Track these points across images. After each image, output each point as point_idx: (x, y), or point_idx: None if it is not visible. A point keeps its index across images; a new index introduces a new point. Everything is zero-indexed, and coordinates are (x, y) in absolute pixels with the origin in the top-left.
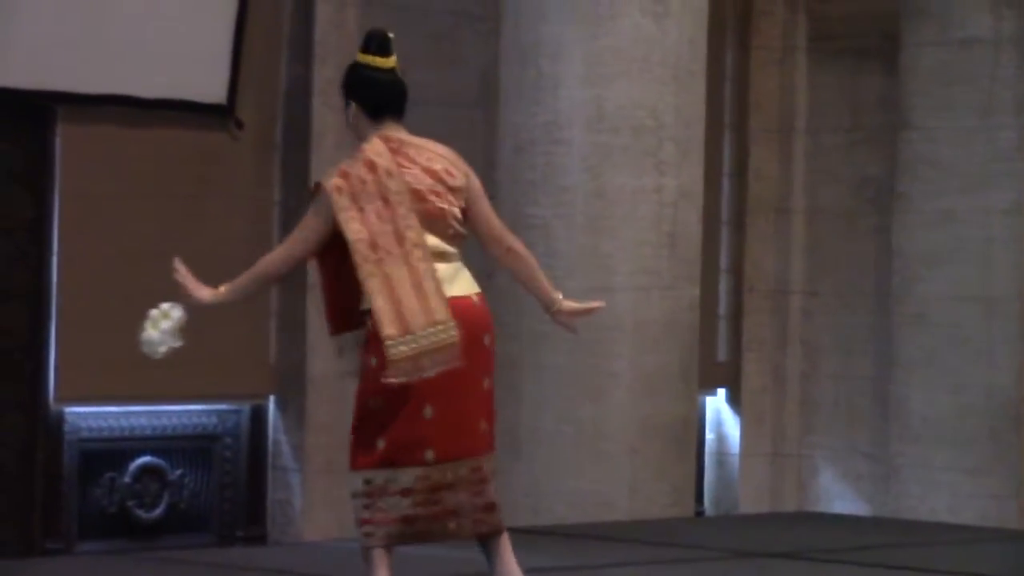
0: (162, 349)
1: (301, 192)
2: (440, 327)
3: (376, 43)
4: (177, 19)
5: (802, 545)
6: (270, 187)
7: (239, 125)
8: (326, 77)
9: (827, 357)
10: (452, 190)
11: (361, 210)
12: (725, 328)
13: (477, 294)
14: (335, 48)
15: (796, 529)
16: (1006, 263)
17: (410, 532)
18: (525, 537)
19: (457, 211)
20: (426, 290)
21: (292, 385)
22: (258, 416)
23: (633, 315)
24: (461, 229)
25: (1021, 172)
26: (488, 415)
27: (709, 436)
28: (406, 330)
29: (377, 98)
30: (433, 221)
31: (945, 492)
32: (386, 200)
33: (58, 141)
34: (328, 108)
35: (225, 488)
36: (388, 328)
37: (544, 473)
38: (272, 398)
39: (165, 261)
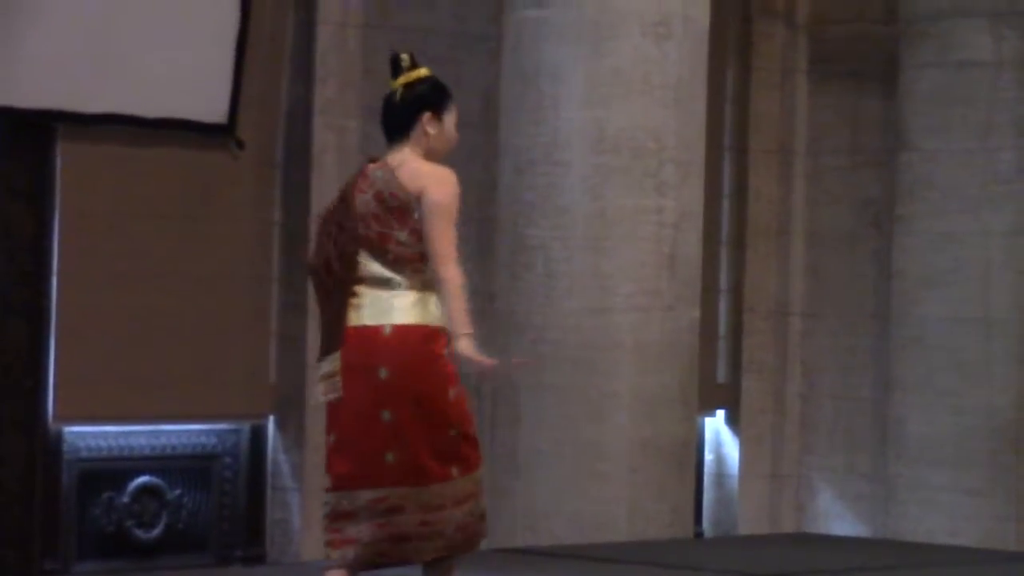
0: None
1: (302, 212)
2: (335, 355)
3: (390, 67)
4: (178, 39)
5: (801, 566)
6: (271, 207)
7: (240, 145)
8: (327, 97)
9: (826, 378)
10: (393, 211)
11: (328, 235)
12: (725, 349)
13: (395, 326)
14: (336, 68)
15: (795, 550)
16: (1005, 285)
17: (351, 555)
18: (524, 558)
19: (403, 234)
20: (342, 317)
21: (292, 405)
22: (257, 436)
23: (633, 336)
24: (408, 251)
25: (1020, 194)
26: (401, 448)
27: (708, 457)
28: (325, 352)
29: (382, 124)
30: (373, 246)
31: (944, 513)
32: (341, 226)
33: (59, 160)
34: (329, 128)
35: (224, 508)
36: (319, 349)
37: (543, 493)
38: (272, 418)
39: (165, 280)
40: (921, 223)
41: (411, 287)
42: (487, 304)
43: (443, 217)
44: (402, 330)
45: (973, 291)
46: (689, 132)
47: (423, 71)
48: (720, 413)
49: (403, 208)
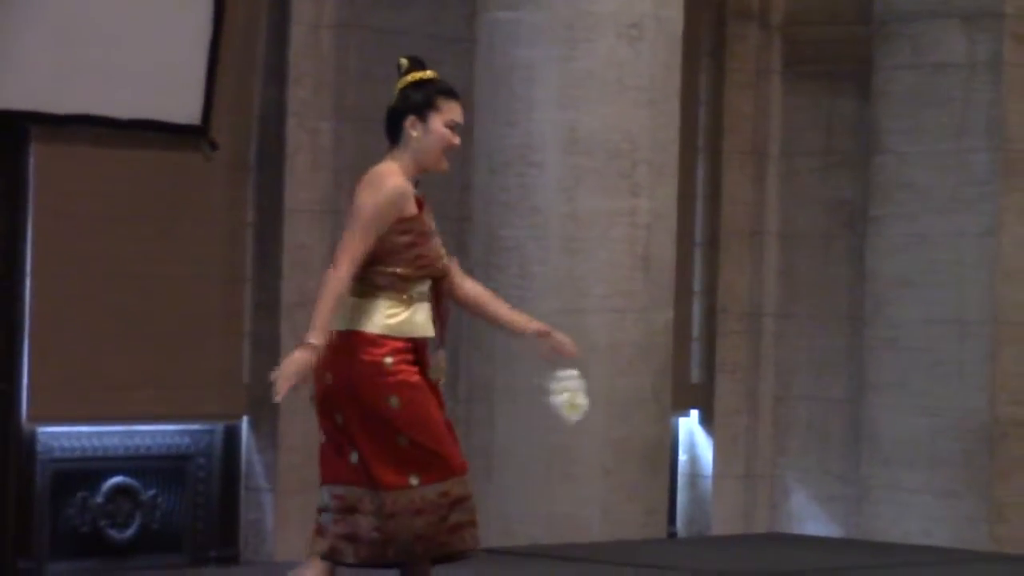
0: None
1: (275, 213)
2: None
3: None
4: (152, 40)
5: (774, 566)
6: (244, 209)
7: (213, 146)
8: (300, 99)
9: (800, 379)
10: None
11: None
12: (699, 350)
13: (338, 332)
14: (310, 70)
15: (768, 550)
16: (978, 286)
17: (319, 546)
18: (498, 559)
19: None
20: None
21: (265, 405)
22: (231, 436)
23: (607, 337)
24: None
25: (994, 195)
26: (362, 449)
27: (682, 457)
28: None
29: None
30: None
31: (917, 514)
32: None
33: (32, 161)
34: (303, 130)
35: (198, 508)
36: None
37: (517, 495)
38: (245, 418)
39: (138, 281)
40: (895, 224)
41: (355, 293)
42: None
43: (354, 220)
44: (343, 336)
45: (947, 292)
46: (663, 133)
47: (417, 75)
48: (694, 414)
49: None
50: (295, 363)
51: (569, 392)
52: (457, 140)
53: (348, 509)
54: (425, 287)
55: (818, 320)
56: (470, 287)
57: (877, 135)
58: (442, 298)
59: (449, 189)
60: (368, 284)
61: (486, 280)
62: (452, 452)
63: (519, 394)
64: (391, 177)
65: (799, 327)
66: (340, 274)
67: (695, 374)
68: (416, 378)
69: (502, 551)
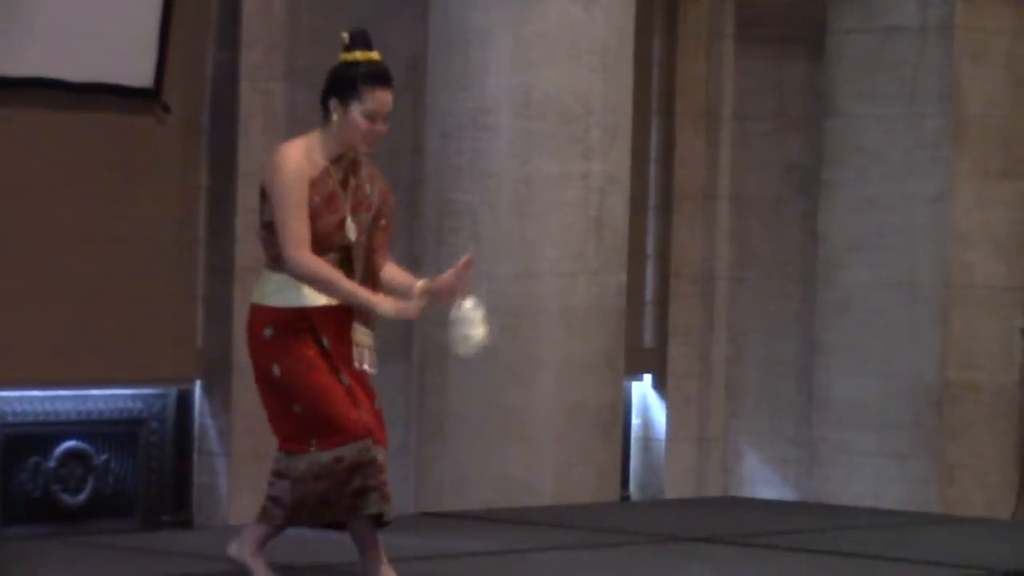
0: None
1: (228, 176)
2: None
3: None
4: (104, 3)
5: (726, 529)
6: (197, 171)
7: (166, 109)
8: (253, 62)
9: (752, 343)
10: (261, 194)
11: None
12: (651, 314)
13: (249, 304)
14: (262, 33)
15: (720, 513)
16: (930, 250)
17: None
18: (451, 522)
19: (263, 216)
20: None
21: (218, 370)
22: (184, 401)
23: (559, 301)
24: (261, 232)
25: (945, 160)
26: (269, 417)
27: (635, 421)
28: None
29: None
30: None
31: (868, 477)
32: None
33: None
34: (255, 93)
35: (151, 473)
36: None
37: (470, 458)
38: (198, 383)
39: (91, 245)
40: (847, 188)
41: (268, 267)
42: (412, 269)
43: (274, 199)
44: (251, 309)
45: (898, 256)
46: (616, 97)
47: (351, 55)
48: (647, 377)
49: (262, 190)
50: (398, 308)
51: (465, 324)
52: (379, 128)
53: (277, 473)
54: (327, 259)
55: (770, 283)
56: (386, 270)
57: (829, 99)
58: (371, 274)
59: (401, 153)
60: (270, 257)
61: (438, 244)
62: (347, 416)
63: (470, 358)
64: (284, 154)
65: (751, 290)
66: (299, 252)
67: (648, 338)
68: (300, 347)
69: (454, 514)
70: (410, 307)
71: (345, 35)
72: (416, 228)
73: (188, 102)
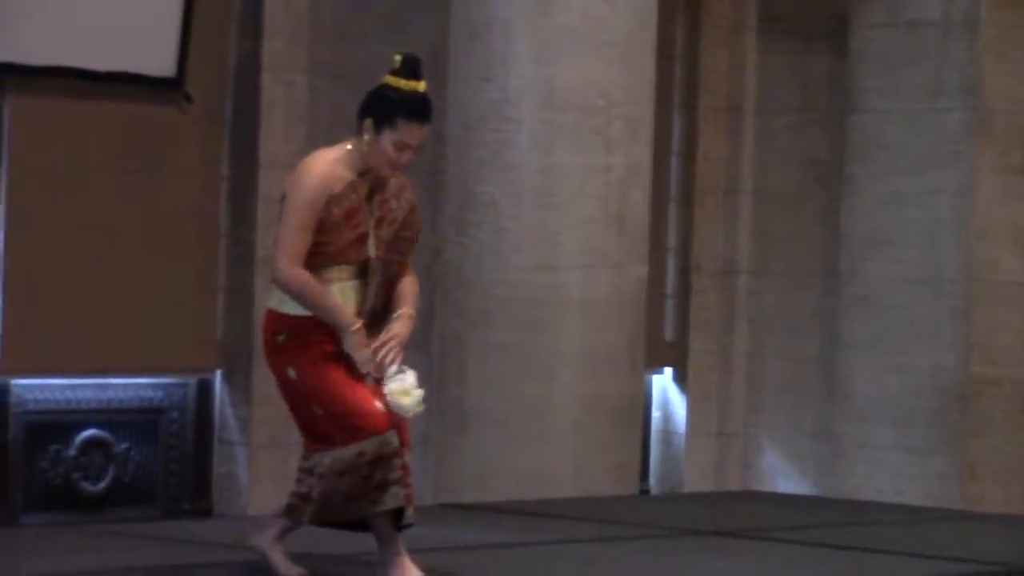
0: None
1: (250, 166)
2: None
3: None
4: None
5: (746, 524)
6: (218, 161)
7: (188, 99)
8: (275, 52)
9: (774, 337)
10: (282, 199)
11: None
12: (672, 307)
13: (266, 310)
14: (284, 23)
15: (740, 508)
16: (952, 245)
17: None
18: (471, 514)
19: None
20: None
21: (239, 359)
22: (205, 390)
23: (580, 293)
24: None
25: (969, 155)
26: (294, 417)
27: (655, 414)
28: None
29: None
30: None
31: (890, 472)
32: None
33: (7, 113)
34: (277, 83)
35: (171, 461)
36: None
37: (490, 451)
38: (219, 372)
39: (113, 234)
40: (869, 183)
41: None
42: (433, 260)
43: (284, 212)
44: (266, 313)
45: (920, 251)
46: (638, 89)
47: (395, 80)
48: (667, 371)
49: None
50: (356, 346)
51: (401, 388)
52: (405, 159)
53: (304, 470)
54: (343, 271)
55: (792, 278)
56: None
57: (852, 93)
58: (386, 288)
59: (424, 145)
60: None
61: (460, 236)
62: (369, 411)
63: (491, 350)
64: (309, 169)
65: (773, 285)
66: (286, 268)
67: (669, 331)
68: (316, 348)
69: (474, 506)
70: (368, 352)
71: (397, 58)
72: (438, 220)
73: (210, 92)
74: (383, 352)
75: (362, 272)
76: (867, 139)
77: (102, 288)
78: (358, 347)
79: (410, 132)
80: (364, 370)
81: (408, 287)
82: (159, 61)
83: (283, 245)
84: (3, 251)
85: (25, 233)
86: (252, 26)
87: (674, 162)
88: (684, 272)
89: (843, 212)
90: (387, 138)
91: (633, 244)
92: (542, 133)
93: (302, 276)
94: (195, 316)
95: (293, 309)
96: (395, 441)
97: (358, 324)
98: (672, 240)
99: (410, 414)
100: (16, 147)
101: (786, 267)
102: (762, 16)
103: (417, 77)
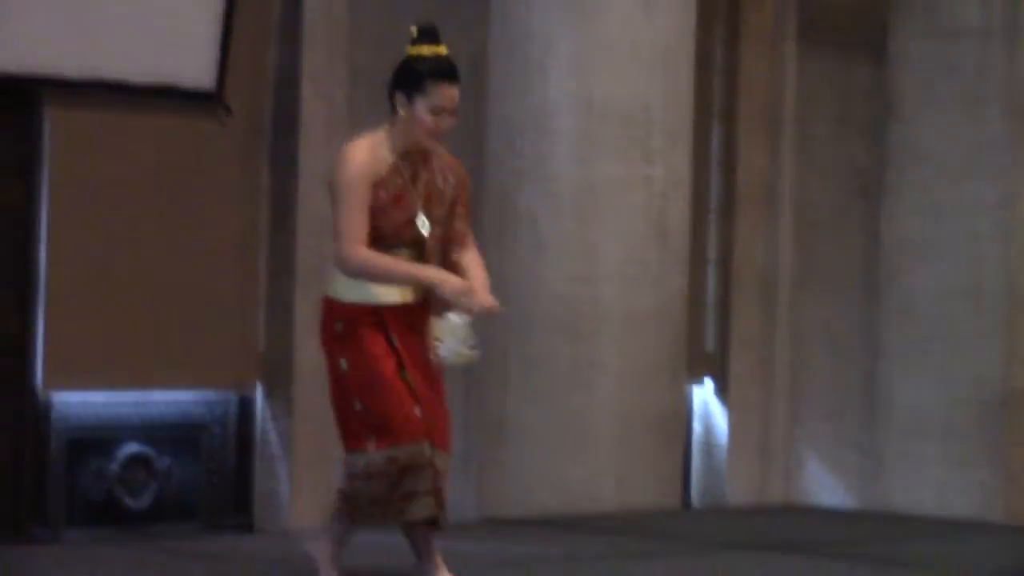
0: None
1: (290, 178)
2: None
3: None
4: (166, 4)
5: (789, 537)
6: (258, 174)
7: (228, 111)
8: (315, 64)
9: (815, 348)
10: (331, 193)
11: None
12: (713, 318)
13: (323, 297)
14: (324, 35)
15: (783, 521)
16: (993, 255)
17: None
18: (515, 528)
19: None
20: None
21: (280, 374)
22: (246, 405)
23: (621, 305)
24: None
25: (1009, 164)
26: (335, 410)
27: (696, 427)
28: None
29: None
30: None
31: (932, 484)
32: None
33: (46, 126)
34: (317, 95)
35: (212, 476)
36: None
37: (531, 464)
38: (260, 387)
39: (153, 247)
40: (910, 193)
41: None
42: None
43: (335, 198)
44: (322, 302)
45: (962, 261)
46: (677, 100)
47: (417, 49)
48: (708, 383)
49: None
50: (456, 284)
51: (455, 340)
52: (445, 124)
53: (343, 469)
54: (400, 253)
55: (833, 289)
56: (462, 259)
57: (892, 103)
58: (445, 266)
59: (462, 155)
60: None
61: (499, 248)
62: (406, 417)
63: (533, 362)
64: (350, 155)
65: (814, 296)
66: (348, 247)
67: (709, 342)
68: (367, 343)
69: (516, 520)
70: (469, 289)
71: (413, 29)
72: (477, 231)
73: (250, 104)
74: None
75: (418, 255)
76: (907, 149)
77: (143, 302)
78: (457, 290)
79: (442, 93)
80: (467, 304)
81: (473, 264)
82: (198, 73)
83: (343, 231)
84: (44, 265)
85: (66, 247)
86: (292, 37)
87: (714, 172)
88: (725, 283)
89: (883, 222)
90: (421, 106)
91: (673, 255)
92: (582, 145)
93: (367, 254)
94: (236, 330)
95: (350, 297)
96: (427, 451)
97: (444, 274)
98: (712, 251)
99: (460, 359)
100: (56, 160)
101: (827, 278)
102: (801, 26)
103: (437, 42)
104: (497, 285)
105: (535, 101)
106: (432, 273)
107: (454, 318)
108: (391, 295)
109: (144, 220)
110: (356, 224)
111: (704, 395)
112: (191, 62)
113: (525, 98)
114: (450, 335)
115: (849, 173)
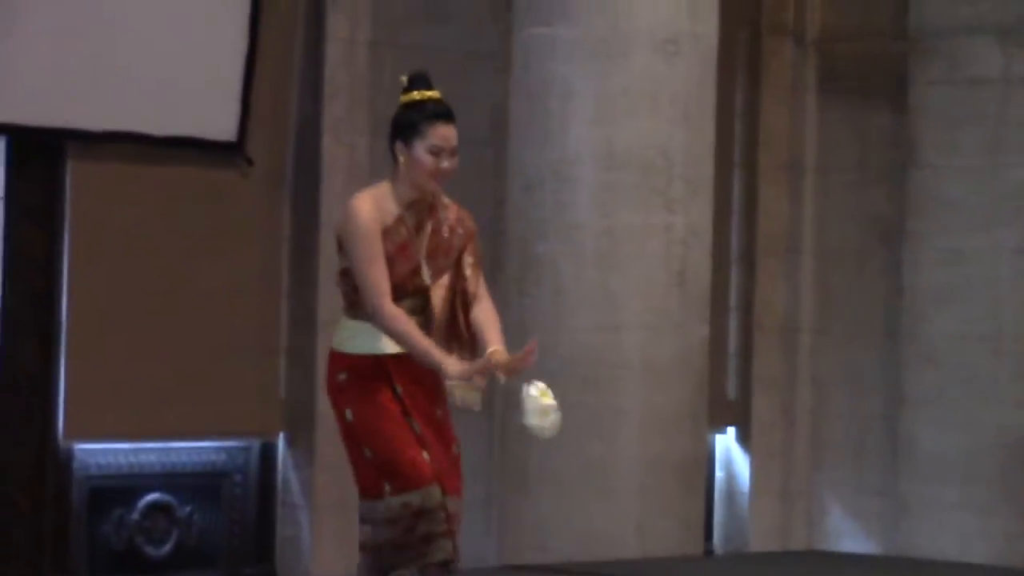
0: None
1: (311, 228)
2: None
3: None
4: (187, 56)
5: None
6: (280, 224)
7: (249, 162)
8: (336, 115)
9: (837, 395)
10: (338, 243)
11: None
12: (735, 366)
13: (329, 350)
14: (345, 86)
15: (806, 567)
16: (1014, 302)
17: None
18: (534, 574)
19: (340, 264)
20: None
21: (302, 422)
22: (267, 453)
23: (642, 353)
24: (338, 279)
25: None
26: (350, 460)
27: (719, 474)
28: None
29: None
30: None
31: (954, 531)
32: None
33: (69, 178)
34: (338, 145)
35: (234, 525)
36: None
37: (553, 511)
38: (282, 435)
39: (175, 297)
40: (930, 240)
41: (343, 313)
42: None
43: (350, 252)
44: (328, 355)
45: (983, 308)
46: (698, 149)
47: (408, 96)
48: (731, 430)
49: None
50: (459, 369)
51: (535, 414)
52: (445, 165)
53: (361, 519)
54: (404, 304)
55: (854, 335)
56: (476, 313)
57: (913, 150)
58: (451, 319)
59: (483, 204)
60: (347, 304)
61: (520, 296)
62: (413, 462)
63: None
64: (356, 206)
65: (835, 342)
66: (381, 302)
67: (731, 390)
68: (372, 393)
69: (537, 568)
70: (472, 370)
71: (404, 78)
72: (498, 280)
73: (271, 155)
74: (525, 362)
75: (421, 306)
76: (928, 196)
77: (164, 352)
78: (463, 372)
79: (438, 134)
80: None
81: (488, 319)
82: (220, 125)
83: (370, 286)
84: (66, 315)
85: (87, 297)
86: (313, 89)
87: (735, 221)
88: (746, 331)
89: (904, 269)
90: (420, 149)
91: (695, 303)
92: (602, 193)
93: (395, 313)
94: (257, 378)
95: (352, 348)
96: (437, 494)
97: (451, 357)
98: (734, 299)
99: (547, 436)
100: (78, 212)
101: (848, 324)
102: (821, 74)
103: (429, 87)
104: (518, 334)
105: (556, 150)
106: (439, 357)
107: (527, 390)
108: (392, 345)
109: (166, 270)
110: (380, 277)
111: (726, 442)
112: (213, 114)
113: (546, 147)
114: (531, 413)
115: (870, 220)
